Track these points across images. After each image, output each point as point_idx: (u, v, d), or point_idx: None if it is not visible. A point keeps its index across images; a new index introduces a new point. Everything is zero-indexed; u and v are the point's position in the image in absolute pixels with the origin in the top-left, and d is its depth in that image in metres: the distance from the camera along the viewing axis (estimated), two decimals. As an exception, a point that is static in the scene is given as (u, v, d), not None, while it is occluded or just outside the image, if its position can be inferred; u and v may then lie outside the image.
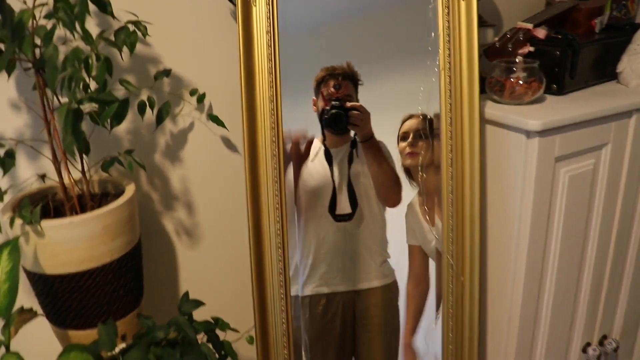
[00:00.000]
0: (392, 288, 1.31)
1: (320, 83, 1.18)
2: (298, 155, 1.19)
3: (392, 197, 1.25)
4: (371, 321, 1.32)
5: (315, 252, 1.25)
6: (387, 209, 1.26)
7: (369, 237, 1.27)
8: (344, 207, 1.22)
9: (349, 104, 1.15)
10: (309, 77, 1.17)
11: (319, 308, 1.28)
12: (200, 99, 1.17)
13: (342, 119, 1.15)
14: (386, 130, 1.19)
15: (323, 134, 1.18)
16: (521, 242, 1.23)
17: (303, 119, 1.17)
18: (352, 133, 1.19)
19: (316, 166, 1.21)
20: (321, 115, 1.16)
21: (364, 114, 1.17)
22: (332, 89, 1.16)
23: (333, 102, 1.15)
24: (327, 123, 1.16)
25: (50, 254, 0.95)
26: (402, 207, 1.25)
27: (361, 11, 1.20)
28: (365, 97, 1.18)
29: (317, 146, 1.20)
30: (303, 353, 1.30)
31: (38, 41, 0.90)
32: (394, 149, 1.20)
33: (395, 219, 1.26)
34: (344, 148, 1.21)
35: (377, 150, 1.21)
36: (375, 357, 1.34)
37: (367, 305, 1.31)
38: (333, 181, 1.21)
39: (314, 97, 1.18)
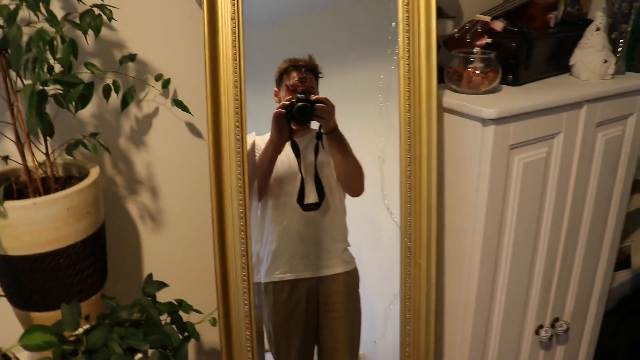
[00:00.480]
0: (353, 274, 1.34)
1: (282, 74, 1.20)
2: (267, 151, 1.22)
3: (356, 186, 1.28)
4: (334, 307, 1.35)
5: (278, 239, 1.27)
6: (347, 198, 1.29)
7: (331, 225, 1.30)
8: (311, 196, 1.25)
9: (314, 97, 1.18)
10: (272, 66, 1.20)
11: (283, 295, 1.30)
12: (165, 84, 1.18)
13: (309, 112, 1.17)
14: (348, 120, 1.22)
15: (288, 126, 1.20)
16: (477, 226, 1.28)
17: (266, 107, 1.20)
18: (316, 124, 1.22)
19: (281, 157, 1.23)
20: (286, 107, 1.18)
21: (329, 107, 1.20)
22: (297, 82, 1.18)
23: (299, 95, 1.17)
24: (294, 116, 1.18)
25: (13, 236, 0.95)
26: (363, 196, 1.29)
27: (325, 2, 1.22)
28: (327, 88, 1.21)
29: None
30: (267, 340, 1.33)
31: (1, 22, 0.90)
32: (356, 137, 1.23)
33: (353, 207, 1.29)
34: (308, 138, 1.24)
35: (341, 142, 1.24)
36: (339, 343, 1.37)
37: (331, 292, 1.34)
38: (301, 172, 1.24)
39: (275, 88, 1.20)
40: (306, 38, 1.22)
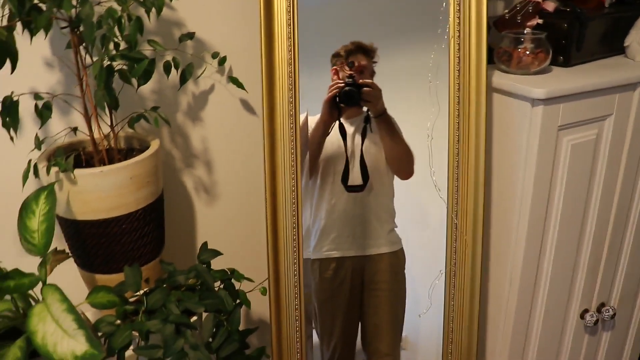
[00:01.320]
0: (399, 255, 1.37)
1: (335, 56, 1.24)
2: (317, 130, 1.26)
3: (405, 169, 1.31)
4: (379, 286, 1.38)
5: (326, 217, 1.31)
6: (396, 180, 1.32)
7: (378, 205, 1.32)
8: (355, 178, 1.28)
9: (361, 81, 1.21)
10: (324, 47, 1.24)
11: (328, 272, 1.34)
12: (222, 61, 1.23)
13: (355, 96, 1.21)
14: (398, 97, 1.24)
15: (338, 107, 1.24)
16: (523, 206, 1.29)
17: (319, 88, 1.24)
18: (364, 108, 1.25)
19: (331, 138, 1.27)
20: (335, 90, 1.23)
21: (376, 91, 1.23)
22: (346, 67, 1.22)
23: (347, 79, 1.21)
24: (341, 99, 1.22)
25: (81, 201, 1.02)
26: (413, 179, 1.31)
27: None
28: (377, 67, 1.24)
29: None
30: (312, 316, 1.37)
31: (74, 2, 0.96)
32: (405, 114, 1.26)
33: (402, 190, 1.32)
34: (358, 120, 1.27)
35: (390, 125, 1.26)
36: (382, 322, 1.40)
37: (376, 271, 1.37)
38: (346, 154, 1.27)
39: (333, 68, 1.24)
40: (358, 19, 1.25)
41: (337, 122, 1.25)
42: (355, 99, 1.21)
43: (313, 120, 1.25)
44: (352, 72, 1.21)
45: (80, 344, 0.77)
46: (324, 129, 1.25)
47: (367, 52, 1.23)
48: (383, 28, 1.25)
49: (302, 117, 1.20)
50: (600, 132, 1.32)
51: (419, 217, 1.37)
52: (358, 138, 1.27)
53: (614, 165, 1.39)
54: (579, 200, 1.37)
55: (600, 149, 1.34)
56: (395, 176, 1.32)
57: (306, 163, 1.25)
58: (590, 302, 1.56)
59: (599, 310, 1.57)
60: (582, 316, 1.55)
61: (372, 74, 1.24)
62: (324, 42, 1.24)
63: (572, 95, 1.22)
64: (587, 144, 1.31)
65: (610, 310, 1.57)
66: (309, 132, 1.25)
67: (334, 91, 1.22)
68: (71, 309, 0.80)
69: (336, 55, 1.24)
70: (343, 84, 1.21)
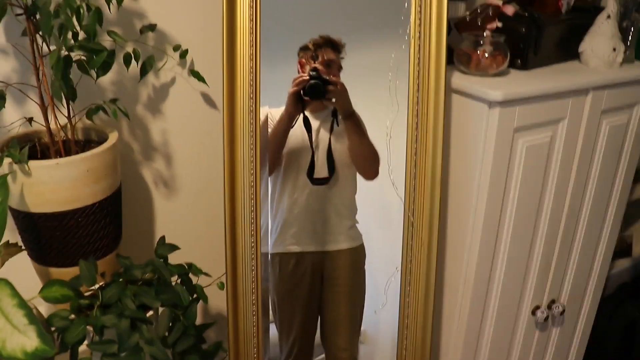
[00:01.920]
0: (359, 251, 1.38)
1: (303, 48, 1.24)
2: (281, 122, 1.25)
3: (370, 170, 1.32)
4: (338, 282, 1.39)
5: (287, 211, 1.31)
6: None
7: (340, 201, 1.33)
8: (321, 171, 1.29)
9: (327, 77, 1.21)
10: (286, 42, 1.24)
11: (288, 266, 1.35)
12: (183, 54, 1.22)
13: (320, 89, 1.21)
14: (358, 96, 1.25)
15: (302, 100, 1.24)
16: (479, 205, 1.32)
17: (280, 82, 1.24)
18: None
19: (295, 131, 1.27)
20: (299, 83, 1.23)
21: (341, 88, 1.23)
22: (310, 60, 1.22)
23: (311, 73, 1.21)
24: (305, 92, 1.22)
25: (35, 193, 1.00)
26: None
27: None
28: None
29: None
30: (271, 311, 1.38)
31: (30, -12, 0.94)
32: (365, 113, 1.27)
33: (365, 186, 1.34)
34: (324, 114, 1.27)
35: (358, 126, 1.27)
36: (340, 317, 1.42)
37: (335, 267, 1.38)
38: (312, 147, 1.27)
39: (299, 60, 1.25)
40: (322, 14, 1.26)
41: (302, 114, 1.25)
42: (320, 92, 1.21)
43: (278, 112, 1.25)
44: (316, 66, 1.21)
45: (30, 340, 0.76)
46: (288, 121, 1.25)
47: (335, 46, 1.24)
48: (345, 25, 1.25)
49: (263, 111, 1.20)
50: (554, 135, 1.36)
51: (380, 214, 1.39)
52: (324, 131, 1.28)
53: (566, 167, 1.43)
54: (533, 200, 1.40)
55: (554, 151, 1.38)
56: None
57: (268, 155, 1.25)
58: (542, 298, 1.60)
59: (549, 307, 1.62)
60: (533, 312, 1.59)
61: (339, 68, 1.25)
62: (287, 37, 1.25)
63: (528, 98, 1.25)
64: (541, 146, 1.34)
65: (560, 306, 1.62)
66: (271, 125, 1.25)
67: (299, 84, 1.22)
68: (22, 304, 0.79)
69: (304, 49, 1.24)
70: (308, 77, 1.21)
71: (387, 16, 1.23)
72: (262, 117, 1.23)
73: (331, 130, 1.27)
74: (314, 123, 1.27)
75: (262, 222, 1.26)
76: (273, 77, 1.20)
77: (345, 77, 1.24)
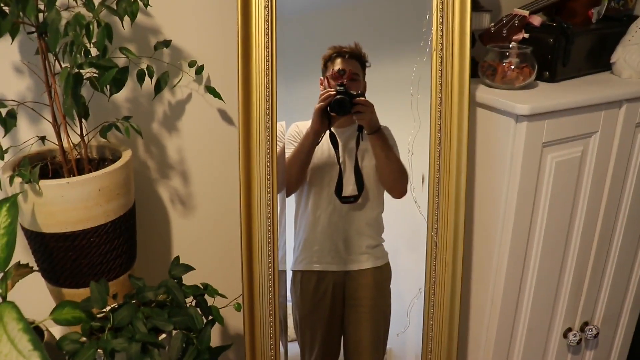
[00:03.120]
0: (384, 270, 1.33)
1: (327, 61, 1.21)
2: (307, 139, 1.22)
3: (398, 187, 1.27)
4: (360, 302, 1.35)
5: (309, 229, 1.28)
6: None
7: (364, 220, 1.29)
8: (350, 189, 1.25)
9: (353, 93, 1.18)
10: (304, 57, 1.21)
11: (310, 285, 1.31)
12: (199, 70, 1.20)
13: (346, 105, 1.18)
14: (378, 110, 1.21)
15: (329, 116, 1.21)
16: (506, 224, 1.26)
17: (299, 98, 1.21)
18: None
19: (322, 147, 1.24)
20: (326, 99, 1.19)
21: (367, 104, 1.20)
22: (337, 74, 1.19)
23: (338, 87, 1.18)
24: (332, 108, 1.19)
25: (47, 213, 0.99)
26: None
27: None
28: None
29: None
30: (293, 329, 1.34)
31: (42, 6, 0.92)
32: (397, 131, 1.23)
33: (393, 203, 1.29)
34: (350, 129, 1.24)
35: (384, 142, 1.23)
36: (363, 337, 1.37)
37: (357, 286, 1.33)
38: (339, 164, 1.24)
39: (321, 77, 1.21)
40: (340, 30, 1.23)
41: (328, 131, 1.22)
42: (346, 108, 1.18)
43: (304, 126, 1.22)
44: (343, 81, 1.18)
45: (34, 367, 0.73)
46: (314, 137, 1.22)
47: (360, 59, 1.21)
48: (365, 40, 1.22)
49: (280, 126, 1.17)
50: (585, 150, 1.30)
51: (409, 233, 1.33)
52: (351, 147, 1.24)
53: (598, 184, 1.37)
54: (563, 218, 1.34)
55: (585, 166, 1.32)
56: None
57: (293, 172, 1.22)
58: (574, 321, 1.53)
59: (582, 330, 1.55)
60: (565, 335, 1.52)
61: (364, 84, 1.22)
62: (306, 52, 1.22)
63: (557, 111, 1.20)
64: (571, 161, 1.29)
65: (594, 329, 1.54)
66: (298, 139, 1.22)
67: (326, 100, 1.19)
68: (27, 328, 0.76)
69: (328, 59, 1.21)
70: (334, 92, 1.18)
71: (407, 28, 1.19)
72: (290, 130, 1.21)
73: (357, 146, 1.24)
74: (340, 139, 1.24)
75: (286, 239, 1.23)
76: (292, 91, 1.17)
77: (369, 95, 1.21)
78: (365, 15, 1.23)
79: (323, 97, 1.19)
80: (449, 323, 1.24)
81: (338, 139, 1.24)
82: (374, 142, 1.23)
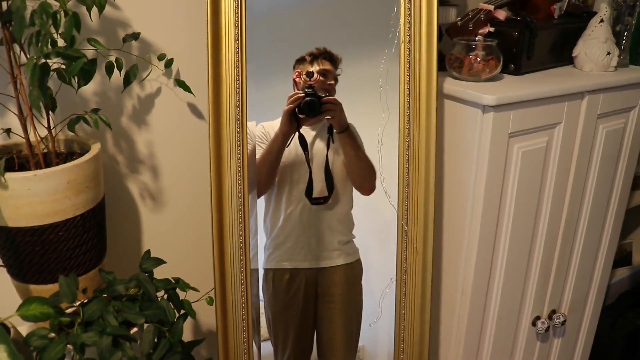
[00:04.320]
0: (355, 266, 1.34)
1: (299, 62, 1.22)
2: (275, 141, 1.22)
3: (367, 184, 1.28)
4: (333, 298, 1.35)
5: (281, 226, 1.28)
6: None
7: (335, 217, 1.30)
8: (320, 190, 1.26)
9: (323, 96, 1.19)
10: (274, 55, 1.21)
11: (282, 283, 1.31)
12: (168, 64, 1.19)
13: (316, 106, 1.18)
14: (347, 102, 1.22)
15: (297, 118, 1.21)
16: (475, 213, 1.28)
17: (267, 99, 1.21)
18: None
19: (291, 148, 1.24)
20: (294, 101, 1.20)
21: (337, 106, 1.20)
22: (306, 77, 1.19)
23: (307, 90, 1.18)
24: (301, 109, 1.19)
25: (13, 207, 0.97)
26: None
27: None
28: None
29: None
30: (266, 328, 1.34)
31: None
32: (355, 120, 1.24)
33: (362, 200, 1.30)
34: (318, 128, 1.24)
35: (353, 140, 1.24)
36: (336, 333, 1.38)
37: (330, 283, 1.34)
38: (309, 166, 1.24)
39: (293, 77, 1.22)
40: (308, 24, 1.23)
41: (297, 133, 1.22)
42: (316, 109, 1.18)
43: (270, 126, 1.22)
44: (311, 83, 1.19)
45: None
46: (282, 140, 1.22)
47: (332, 58, 1.22)
48: (333, 33, 1.23)
49: (251, 126, 1.17)
50: (550, 140, 1.33)
51: (379, 226, 1.34)
52: (321, 148, 1.25)
53: (563, 173, 1.40)
54: (530, 207, 1.37)
55: (550, 156, 1.36)
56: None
57: (262, 174, 1.22)
58: (542, 309, 1.57)
59: (550, 317, 1.58)
60: (533, 323, 1.55)
61: (335, 80, 1.22)
62: (277, 50, 1.22)
63: (523, 102, 1.22)
64: (537, 151, 1.32)
65: (561, 316, 1.58)
66: (265, 140, 1.22)
67: (295, 102, 1.19)
68: (-7, 321, 0.75)
69: (300, 61, 1.22)
70: (303, 95, 1.18)
71: (375, 21, 1.21)
72: (255, 132, 1.21)
73: (327, 147, 1.24)
74: (309, 140, 1.24)
75: (258, 237, 1.22)
76: (263, 90, 1.17)
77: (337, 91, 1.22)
78: (334, 10, 1.23)
79: (292, 99, 1.19)
80: (420, 312, 1.26)
81: (307, 141, 1.24)
82: (343, 141, 1.24)
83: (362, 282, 1.35)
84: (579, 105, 1.35)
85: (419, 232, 1.22)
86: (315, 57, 1.21)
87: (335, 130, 1.23)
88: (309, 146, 1.24)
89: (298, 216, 1.28)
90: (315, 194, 1.26)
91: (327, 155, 1.24)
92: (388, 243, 1.28)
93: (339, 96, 1.21)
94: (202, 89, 1.20)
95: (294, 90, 1.21)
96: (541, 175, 1.35)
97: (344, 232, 1.32)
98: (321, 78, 1.20)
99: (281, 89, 1.22)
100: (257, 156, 1.22)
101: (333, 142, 1.24)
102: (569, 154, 1.39)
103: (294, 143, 1.23)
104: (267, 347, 1.36)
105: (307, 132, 1.25)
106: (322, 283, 1.34)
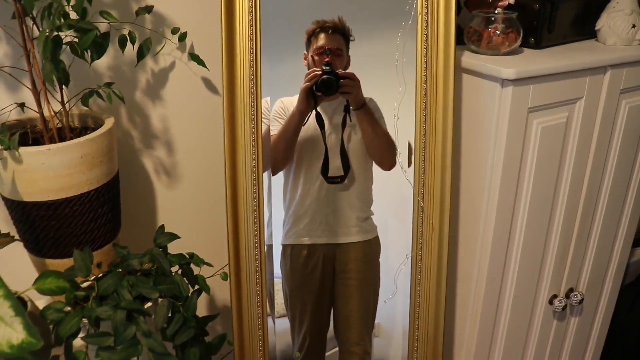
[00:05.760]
0: (373, 243, 1.33)
1: (310, 36, 1.19)
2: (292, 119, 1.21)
3: (387, 160, 1.26)
4: (350, 275, 1.34)
5: (299, 203, 1.27)
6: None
7: (354, 194, 1.29)
8: (335, 169, 1.24)
9: (340, 72, 1.17)
10: (289, 33, 1.19)
11: (300, 259, 1.31)
12: (182, 37, 1.18)
13: (333, 85, 1.16)
14: (363, 76, 1.20)
15: (314, 96, 1.19)
16: (492, 189, 1.26)
17: (283, 74, 1.19)
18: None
19: (308, 126, 1.22)
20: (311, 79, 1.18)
21: (355, 81, 1.18)
22: (324, 55, 1.17)
23: (324, 67, 1.16)
24: (318, 88, 1.17)
25: (28, 181, 0.97)
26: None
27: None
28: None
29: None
30: (283, 304, 1.34)
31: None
32: (371, 93, 1.22)
33: (379, 176, 1.28)
34: (335, 104, 1.22)
35: (370, 116, 1.22)
36: (353, 310, 1.37)
37: (347, 260, 1.33)
38: (325, 145, 1.23)
39: (305, 52, 1.20)
40: (325, 1, 1.21)
41: (314, 111, 1.21)
42: (333, 87, 1.16)
43: (290, 102, 1.21)
44: (329, 60, 1.17)
45: (17, 332, 0.72)
46: (299, 118, 1.20)
47: (344, 32, 1.19)
48: (351, 6, 1.20)
49: (265, 102, 1.15)
50: (570, 116, 1.30)
51: (397, 202, 1.32)
52: (337, 127, 1.23)
53: (583, 150, 1.37)
54: (549, 184, 1.35)
55: (571, 132, 1.32)
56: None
57: (279, 151, 1.21)
58: (559, 287, 1.55)
59: (567, 296, 1.57)
60: (550, 302, 1.54)
61: (348, 58, 1.20)
62: (288, 28, 1.19)
63: (543, 76, 1.19)
64: (557, 127, 1.29)
65: (579, 295, 1.56)
66: (284, 116, 1.21)
67: (312, 80, 1.17)
68: (8, 294, 0.75)
69: (312, 33, 1.19)
70: (320, 72, 1.16)
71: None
72: (275, 107, 1.19)
73: (343, 126, 1.23)
74: (326, 117, 1.23)
75: (276, 212, 1.22)
76: (276, 67, 1.15)
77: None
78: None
79: (309, 77, 1.17)
80: (436, 288, 1.25)
81: (324, 118, 1.22)
82: (360, 118, 1.22)
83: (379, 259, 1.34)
84: (601, 80, 1.32)
85: (436, 208, 1.20)
86: (325, 30, 1.18)
87: (352, 108, 1.21)
88: (326, 125, 1.23)
89: (316, 192, 1.27)
90: (331, 173, 1.24)
91: (342, 135, 1.23)
92: (404, 219, 1.26)
93: (354, 69, 1.18)
94: (217, 63, 1.18)
95: (311, 67, 1.19)
96: (561, 151, 1.33)
97: (362, 209, 1.31)
98: (336, 60, 1.18)
99: (295, 65, 1.20)
100: (275, 132, 1.21)
101: (350, 120, 1.22)
102: (589, 130, 1.36)
103: (312, 122, 1.22)
104: (283, 323, 1.36)
105: (325, 109, 1.23)
106: (340, 259, 1.33)
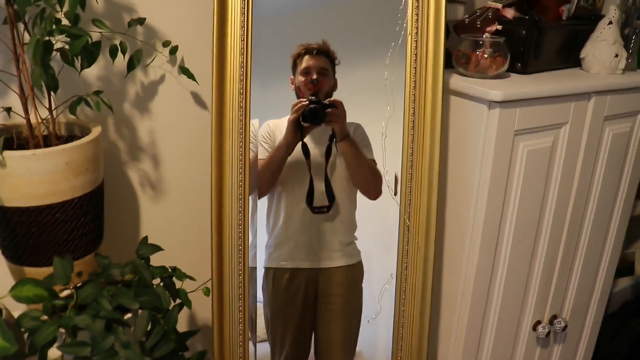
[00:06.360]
0: (356, 268, 1.33)
1: (296, 59, 1.20)
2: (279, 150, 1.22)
3: (372, 189, 1.27)
4: (332, 299, 1.34)
5: (283, 226, 1.27)
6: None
7: (338, 219, 1.29)
8: (321, 199, 1.25)
9: (327, 101, 1.18)
10: (279, 57, 1.20)
11: (282, 282, 1.30)
12: (173, 50, 1.18)
13: (320, 114, 1.17)
14: (353, 93, 1.21)
15: (301, 127, 1.19)
16: (478, 210, 1.27)
17: (272, 99, 1.21)
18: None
19: (293, 154, 1.23)
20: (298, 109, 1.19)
21: (340, 110, 1.19)
22: (310, 84, 1.18)
23: (311, 97, 1.17)
24: (305, 117, 1.18)
25: (10, 186, 0.95)
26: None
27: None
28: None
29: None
30: (264, 327, 1.32)
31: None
32: (359, 112, 1.22)
33: (368, 202, 1.28)
34: (317, 134, 1.23)
35: (354, 148, 1.23)
36: (335, 335, 1.36)
37: (330, 284, 1.33)
38: (310, 174, 1.23)
39: (291, 76, 1.21)
40: (315, 25, 1.22)
41: (300, 142, 1.21)
42: (320, 117, 1.17)
43: (276, 125, 1.21)
44: (315, 89, 1.18)
45: (-9, 335, 0.70)
46: (286, 150, 1.21)
47: (329, 55, 1.20)
48: (339, 24, 1.22)
49: (252, 126, 1.16)
50: (556, 140, 1.32)
51: (382, 224, 1.32)
52: (322, 156, 1.24)
53: (568, 174, 1.38)
54: (534, 207, 1.36)
55: (556, 156, 1.34)
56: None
57: (264, 181, 1.22)
58: (543, 313, 1.55)
59: (551, 322, 1.56)
60: (534, 328, 1.53)
61: (334, 81, 1.21)
62: (279, 53, 1.21)
63: (529, 99, 1.21)
64: (542, 150, 1.30)
65: (562, 322, 1.56)
66: (269, 140, 1.21)
67: (299, 111, 1.18)
68: (-16, 298, 0.74)
69: (297, 56, 1.20)
70: (307, 102, 1.17)
71: (382, 15, 1.19)
72: (262, 130, 1.20)
73: (328, 155, 1.23)
74: (311, 147, 1.23)
75: (259, 234, 1.21)
76: (266, 91, 1.17)
77: (337, 76, 1.21)
78: (341, 6, 1.23)
79: (296, 108, 1.18)
80: (420, 309, 1.24)
81: (309, 148, 1.23)
82: (344, 149, 1.23)
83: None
84: (586, 106, 1.34)
85: (422, 227, 1.20)
86: (310, 52, 1.20)
87: (336, 138, 1.22)
88: (311, 153, 1.23)
89: (300, 217, 1.27)
90: (316, 202, 1.25)
91: (326, 165, 1.23)
92: (389, 239, 1.26)
93: (343, 89, 1.19)
94: (206, 78, 1.19)
95: (298, 92, 1.20)
96: (546, 175, 1.34)
97: (346, 233, 1.31)
98: (322, 82, 1.19)
99: (283, 88, 1.21)
100: (260, 159, 1.21)
101: (336, 150, 1.23)
102: (574, 155, 1.37)
103: (297, 147, 1.22)
104: (264, 348, 1.34)
105: (310, 138, 1.23)
106: (323, 283, 1.32)
